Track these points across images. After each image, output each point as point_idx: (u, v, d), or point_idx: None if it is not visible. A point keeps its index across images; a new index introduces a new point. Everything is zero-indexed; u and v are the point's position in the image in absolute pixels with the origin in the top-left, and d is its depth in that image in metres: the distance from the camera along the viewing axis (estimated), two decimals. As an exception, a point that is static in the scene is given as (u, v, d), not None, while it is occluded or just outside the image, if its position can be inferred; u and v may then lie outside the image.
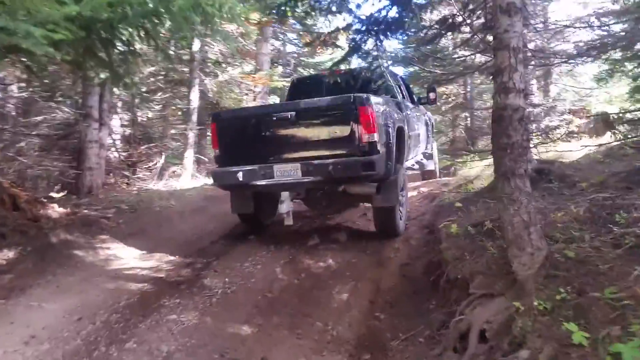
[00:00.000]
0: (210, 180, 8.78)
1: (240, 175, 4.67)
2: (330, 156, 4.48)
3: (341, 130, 4.55)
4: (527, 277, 2.08)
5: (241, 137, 4.88)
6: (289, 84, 7.14)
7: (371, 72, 5.85)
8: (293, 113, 4.66)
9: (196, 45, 8.74)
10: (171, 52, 10.84)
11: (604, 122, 8.24)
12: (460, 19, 4.94)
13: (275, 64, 12.23)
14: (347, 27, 5.01)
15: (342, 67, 6.11)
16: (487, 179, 5.61)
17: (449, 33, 5.97)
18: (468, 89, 13.27)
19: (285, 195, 4.84)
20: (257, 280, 3.75)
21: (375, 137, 4.49)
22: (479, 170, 8.02)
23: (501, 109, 2.26)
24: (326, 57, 16.39)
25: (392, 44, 14.69)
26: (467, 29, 5.25)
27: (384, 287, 3.69)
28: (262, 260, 4.24)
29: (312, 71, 15.30)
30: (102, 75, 4.13)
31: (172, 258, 4.43)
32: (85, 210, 5.51)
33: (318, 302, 3.45)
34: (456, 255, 2.57)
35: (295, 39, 15.75)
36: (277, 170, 4.59)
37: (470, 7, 4.94)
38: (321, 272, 4.02)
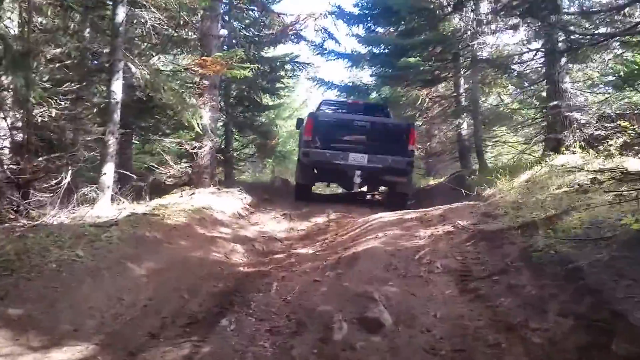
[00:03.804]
0: (142, 207, 6.77)
1: (327, 155, 8.27)
2: (386, 153, 8.33)
3: (396, 140, 8.51)
4: None
5: (329, 131, 8.47)
6: (319, 103, 11.36)
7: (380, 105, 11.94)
8: (368, 124, 8.69)
9: (120, 14, 6.66)
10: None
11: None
12: None
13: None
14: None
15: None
16: (585, 211, 3.99)
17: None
18: (461, 91, 11.89)
19: (358, 172, 8.35)
20: None
21: (413, 147, 8.78)
22: (517, 190, 6.50)
23: None
24: (282, 51, 14.68)
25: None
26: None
27: None
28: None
29: (267, 68, 13.57)
30: None
31: (72, 387, 2.40)
32: None
33: None
34: None
35: (243, 28, 13.89)
36: (351, 157, 8.25)
37: None
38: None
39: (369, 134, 8.49)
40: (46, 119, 8.05)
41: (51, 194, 7.13)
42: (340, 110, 10.61)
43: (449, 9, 8.65)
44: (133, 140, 10.60)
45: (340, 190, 14.60)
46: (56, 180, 7.32)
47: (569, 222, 3.94)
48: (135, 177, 8.36)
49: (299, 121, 11.01)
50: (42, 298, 3.30)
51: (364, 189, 13.67)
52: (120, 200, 7.11)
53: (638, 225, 3.05)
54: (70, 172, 7.14)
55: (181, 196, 8.00)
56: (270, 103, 15.74)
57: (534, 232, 3.99)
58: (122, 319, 3.24)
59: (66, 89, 8.18)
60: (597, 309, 2.43)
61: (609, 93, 9.23)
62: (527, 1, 5.79)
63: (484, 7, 8.43)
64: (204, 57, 7.64)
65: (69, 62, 8.31)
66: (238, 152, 15.12)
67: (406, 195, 9.19)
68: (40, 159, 7.41)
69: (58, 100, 8.08)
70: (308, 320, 3.08)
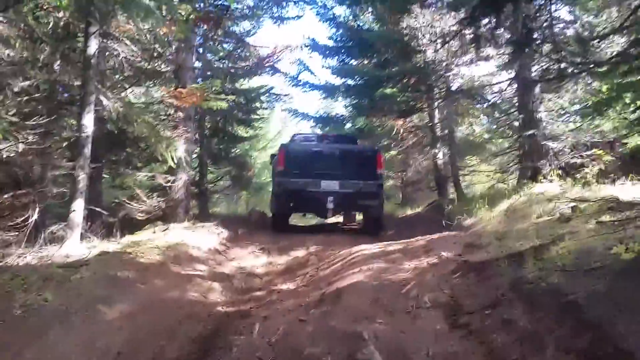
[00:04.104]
0: (113, 245, 6.52)
1: (300, 183, 8.78)
2: (357, 178, 8.94)
3: (365, 165, 9.14)
4: None
5: (302, 161, 9.07)
6: (291, 137, 12.26)
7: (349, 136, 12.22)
8: (337, 151, 9.31)
9: (93, 46, 6.53)
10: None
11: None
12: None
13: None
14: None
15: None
16: (570, 240, 3.96)
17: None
18: (436, 121, 12.04)
19: (330, 198, 8.79)
20: None
21: (382, 171, 9.49)
22: (497, 219, 6.49)
23: None
24: (257, 83, 14.69)
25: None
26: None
27: None
28: None
29: (242, 99, 13.51)
30: None
31: None
32: None
33: None
34: None
35: (217, 60, 13.86)
36: (323, 184, 8.83)
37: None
38: None
39: (339, 161, 9.08)
40: (12, 154, 7.76)
41: (17, 233, 6.83)
42: (311, 141, 11.11)
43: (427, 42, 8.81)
44: (103, 175, 10.31)
45: (314, 221, 14.48)
46: (22, 218, 7.02)
47: (556, 251, 3.90)
48: (106, 213, 8.07)
49: (272, 156, 11.33)
50: (6, 347, 3.06)
51: (340, 219, 13.66)
52: (91, 238, 6.83)
53: (629, 255, 3.01)
54: (37, 209, 6.87)
55: (154, 232, 7.75)
56: (245, 134, 15.65)
57: (522, 262, 3.93)
58: (93, 369, 3.02)
59: (34, 122, 7.94)
60: (599, 345, 2.33)
61: (579, 121, 9.46)
62: (511, 32, 5.92)
63: (459, 38, 8.57)
64: (179, 89, 7.52)
65: (37, 95, 8.09)
66: (213, 185, 14.89)
67: (379, 219, 9.65)
68: (5, 195, 7.12)
69: (26, 135, 7.82)
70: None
